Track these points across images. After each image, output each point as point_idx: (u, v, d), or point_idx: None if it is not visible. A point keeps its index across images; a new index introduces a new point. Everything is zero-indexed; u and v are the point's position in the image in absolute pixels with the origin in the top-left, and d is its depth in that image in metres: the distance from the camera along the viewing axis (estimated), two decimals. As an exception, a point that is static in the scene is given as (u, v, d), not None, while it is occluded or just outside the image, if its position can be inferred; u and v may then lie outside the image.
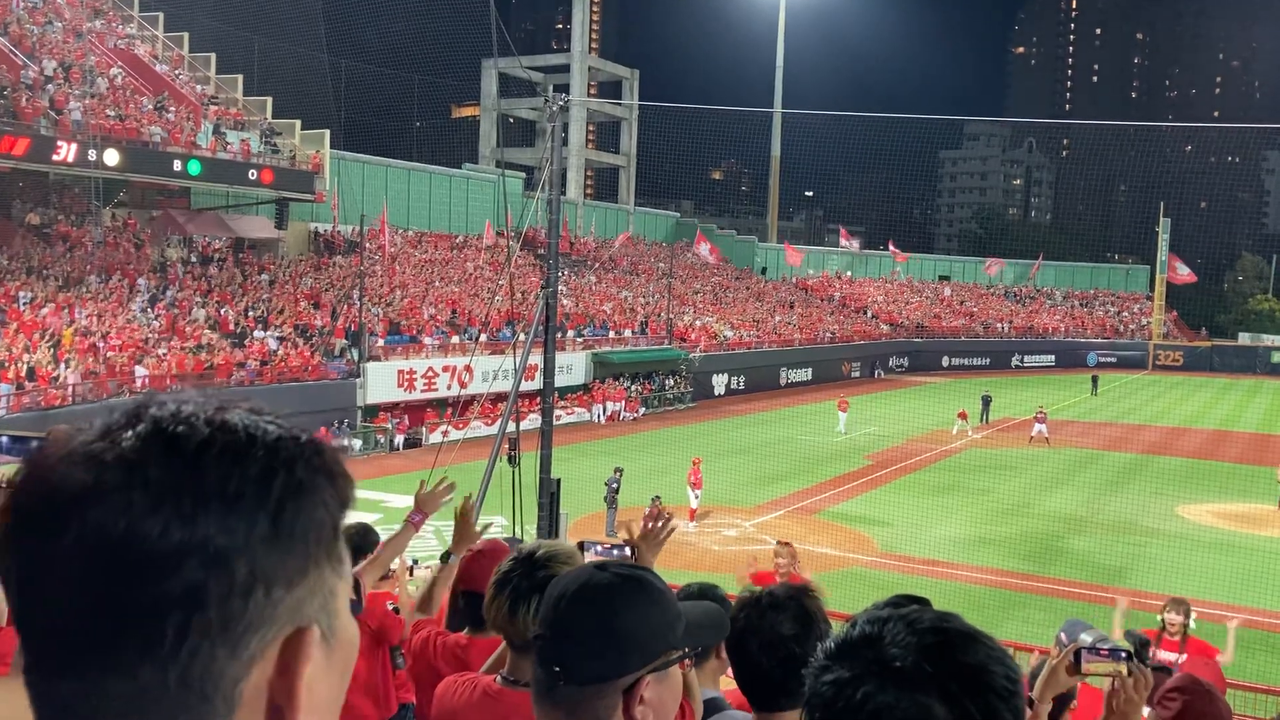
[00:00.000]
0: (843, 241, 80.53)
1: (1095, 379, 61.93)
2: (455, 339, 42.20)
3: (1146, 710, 4.15)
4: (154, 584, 0.74)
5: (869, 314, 76.27)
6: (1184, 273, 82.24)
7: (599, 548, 3.65)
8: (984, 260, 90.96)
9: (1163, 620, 9.82)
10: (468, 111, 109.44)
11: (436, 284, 47.91)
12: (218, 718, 0.77)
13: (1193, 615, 9.96)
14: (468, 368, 37.77)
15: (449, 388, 38.49)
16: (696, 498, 25.87)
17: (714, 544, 24.48)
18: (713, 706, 3.07)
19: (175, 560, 0.74)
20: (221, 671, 0.76)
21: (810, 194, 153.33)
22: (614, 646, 1.67)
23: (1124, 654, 3.59)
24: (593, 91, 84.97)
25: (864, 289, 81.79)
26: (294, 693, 0.80)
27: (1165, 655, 9.03)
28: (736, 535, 25.41)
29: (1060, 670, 3.50)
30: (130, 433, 0.79)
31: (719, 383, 54.64)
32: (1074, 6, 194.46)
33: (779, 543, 12.13)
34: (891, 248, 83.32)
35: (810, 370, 61.53)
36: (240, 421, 0.83)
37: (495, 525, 19.92)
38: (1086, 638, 4.80)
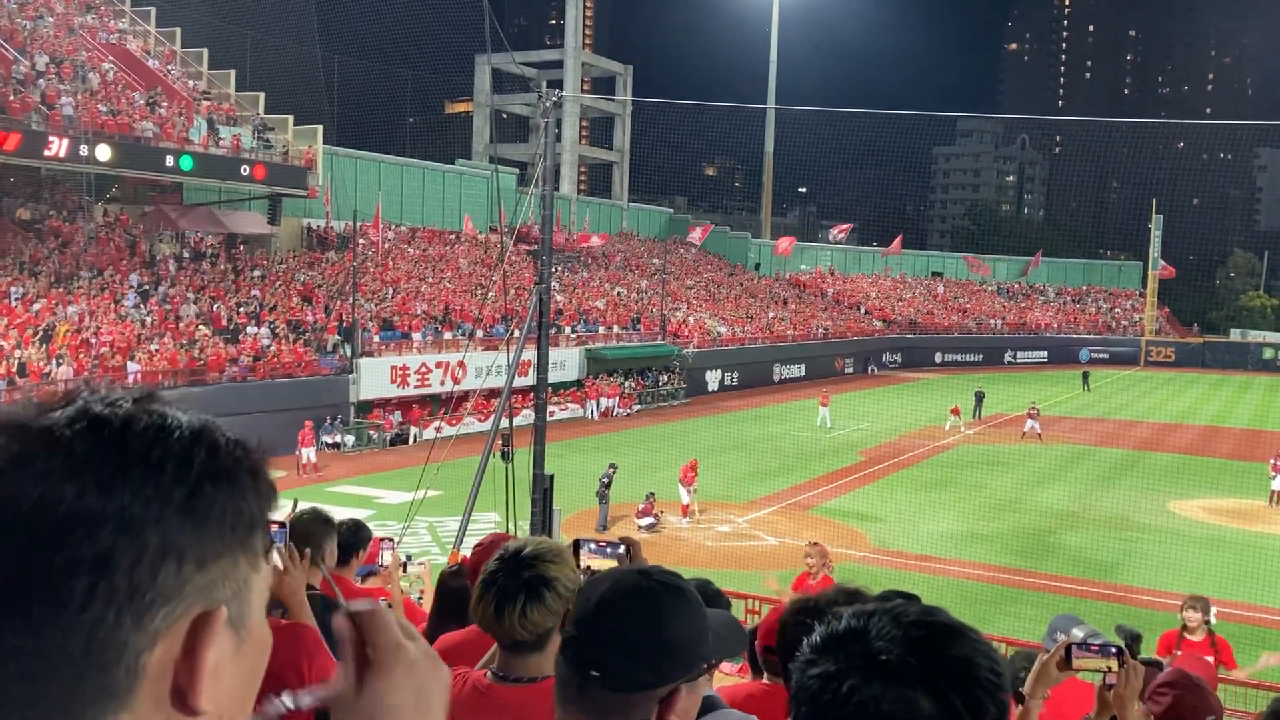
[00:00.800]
0: (836, 234, 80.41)
1: (1087, 375, 62.10)
2: (449, 335, 42.18)
3: (1138, 705, 4.16)
4: (66, 547, 0.76)
5: (862, 310, 76.36)
6: (1157, 268, 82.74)
7: (593, 545, 3.65)
8: (978, 256, 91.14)
9: (1183, 619, 9.77)
10: (461, 107, 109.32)
11: (430, 280, 47.85)
12: (119, 690, 0.77)
13: (1213, 611, 9.91)
14: (461, 364, 37.76)
15: (442, 384, 38.46)
16: (690, 494, 25.88)
17: (708, 540, 24.50)
18: (708, 704, 3.07)
19: (88, 526, 0.76)
20: (125, 641, 0.77)
21: (804, 190, 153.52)
22: (660, 656, 1.65)
23: (1114, 649, 3.60)
24: (586, 87, 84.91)
25: (857, 285, 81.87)
26: (197, 673, 0.80)
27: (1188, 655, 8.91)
28: (730, 531, 25.44)
29: (1051, 665, 3.51)
30: (59, 411, 0.82)
31: (713, 378, 54.68)
32: (1067, 3, 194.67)
33: (809, 544, 12.11)
34: (895, 244, 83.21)
35: (803, 366, 61.60)
36: (167, 408, 0.86)
37: (489, 522, 19.93)
38: (1078, 633, 4.82)
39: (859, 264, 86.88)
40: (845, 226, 79.37)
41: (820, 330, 66.94)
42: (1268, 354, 79.13)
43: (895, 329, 74.62)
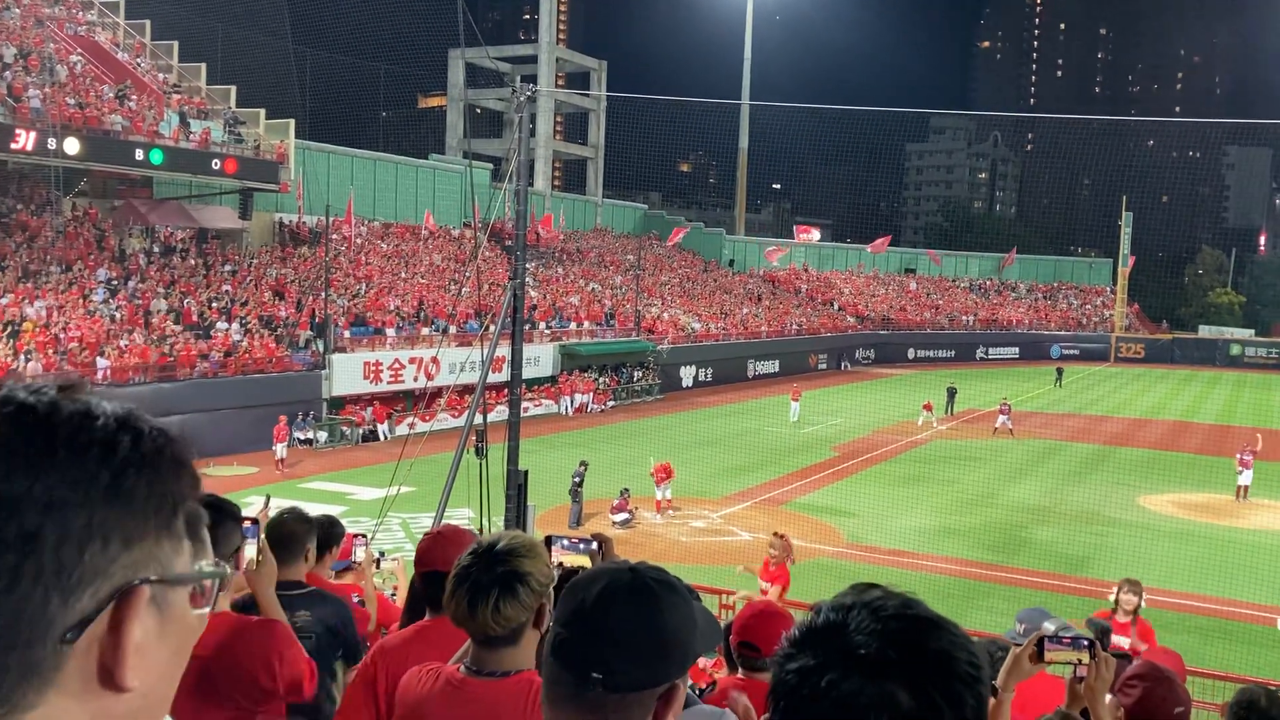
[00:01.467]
0: (802, 235, 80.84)
1: (1059, 371, 62.60)
2: (424, 331, 42.01)
3: (1109, 697, 4.19)
4: None
5: (835, 306, 76.64)
6: (1127, 265, 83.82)
7: (566, 542, 3.64)
8: (949, 253, 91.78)
9: (1116, 600, 10.05)
10: (434, 102, 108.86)
11: (403, 276, 47.62)
12: (45, 667, 0.79)
13: (1143, 596, 10.26)
14: (434, 360, 37.61)
15: (415, 380, 38.31)
16: (664, 490, 25.92)
17: (682, 535, 24.53)
18: (686, 701, 3.07)
19: (13, 506, 0.79)
20: (52, 619, 0.79)
21: (778, 187, 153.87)
22: (661, 653, 1.63)
23: (1086, 642, 3.62)
24: (560, 83, 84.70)
25: (831, 282, 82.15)
26: (122, 649, 0.82)
27: (1117, 639, 9.20)
28: (704, 526, 25.48)
29: (1024, 658, 3.53)
30: None
31: (687, 374, 54.74)
32: (1038, 1, 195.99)
33: (775, 534, 12.28)
34: (880, 243, 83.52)
35: (778, 362, 61.78)
36: (94, 398, 0.88)
37: (463, 518, 19.88)
38: (1049, 626, 4.85)
39: (832, 260, 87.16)
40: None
41: (794, 327, 67.15)
42: (1234, 350, 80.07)
43: (869, 325, 74.96)
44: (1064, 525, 25.99)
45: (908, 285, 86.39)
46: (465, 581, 2.50)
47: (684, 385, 53.90)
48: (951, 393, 46.46)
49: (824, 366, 65.77)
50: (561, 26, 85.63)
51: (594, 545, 3.58)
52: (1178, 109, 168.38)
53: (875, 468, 33.42)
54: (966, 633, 1.29)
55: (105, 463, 0.83)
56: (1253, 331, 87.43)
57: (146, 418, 0.89)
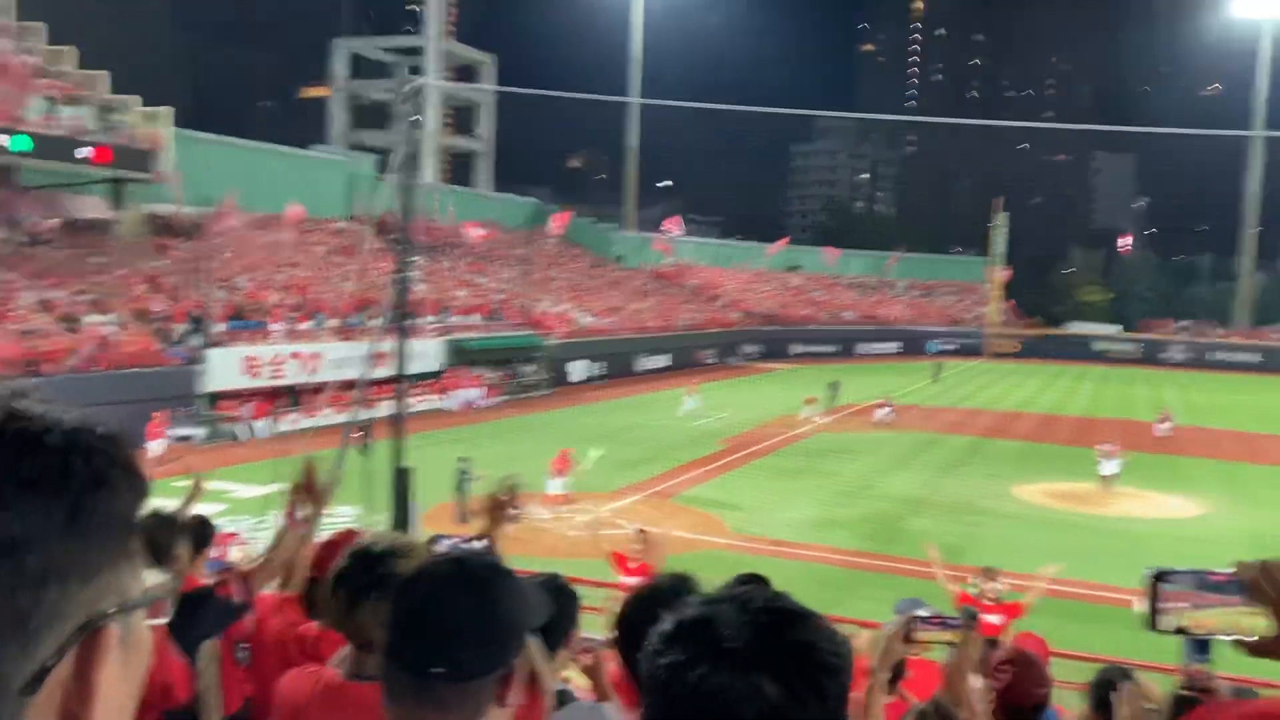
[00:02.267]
0: (671, 229, 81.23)
1: (937, 365, 64.49)
2: (306, 325, 41.08)
3: (980, 681, 4.37)
4: None
5: (721, 303, 77.50)
6: (1001, 263, 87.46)
7: (450, 541, 3.64)
8: (834, 250, 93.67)
9: (980, 590, 10.87)
10: (317, 92, 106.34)
11: (284, 269, 46.48)
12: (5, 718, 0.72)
13: (1001, 581, 11.46)
14: (316, 354, 36.81)
15: (297, 375, 37.44)
16: (560, 485, 25.90)
17: (570, 530, 24.53)
18: (563, 697, 3.10)
19: None
20: (9, 672, 0.72)
21: (670, 184, 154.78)
22: (500, 637, 1.67)
23: (954, 623, 3.78)
24: (450, 76, 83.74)
25: (718, 278, 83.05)
26: (90, 697, 0.76)
27: (990, 619, 9.95)
28: (592, 521, 25.50)
29: (895, 640, 3.67)
30: None
31: (577, 369, 54.71)
32: (919, 6, 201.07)
33: (639, 530, 12.44)
34: (778, 244, 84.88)
35: (668, 357, 62.24)
36: (34, 409, 0.79)
37: (346, 516, 19.53)
38: (923, 612, 5.02)
39: (720, 257, 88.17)
40: (674, 220, 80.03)
41: (683, 322, 67.73)
42: (1100, 346, 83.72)
43: (754, 321, 76.03)
44: (939, 515, 26.79)
45: (790, 282, 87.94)
46: (344, 584, 2.48)
47: (574, 380, 53.88)
48: (834, 387, 47.45)
49: (712, 361, 66.48)
50: (451, 19, 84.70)
51: (480, 543, 3.58)
52: (1050, 114, 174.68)
53: (760, 461, 33.94)
54: (830, 622, 1.36)
55: (60, 494, 0.74)
56: (1119, 328, 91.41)
57: (93, 426, 0.80)
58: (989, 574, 11.48)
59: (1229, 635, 1.63)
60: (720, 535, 23.91)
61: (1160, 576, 1.69)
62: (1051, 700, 4.59)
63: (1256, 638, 1.58)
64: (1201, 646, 2.57)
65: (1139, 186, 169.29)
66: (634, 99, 79.80)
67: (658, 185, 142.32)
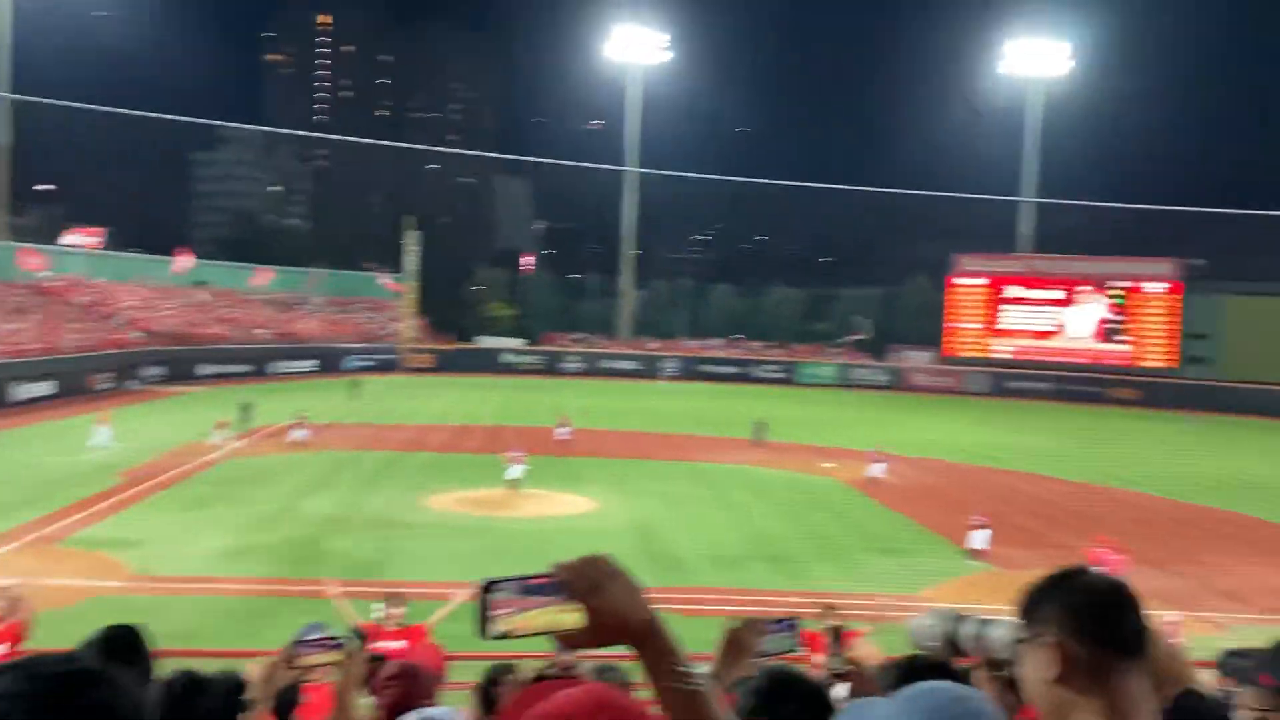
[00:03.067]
0: (80, 238, 73.85)
1: (354, 382, 64.61)
2: None
3: (368, 699, 4.41)
4: None
5: (118, 321, 70.95)
6: (412, 281, 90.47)
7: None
8: (249, 267, 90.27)
9: (385, 614, 10.98)
10: None
11: None
12: None
13: (405, 606, 11.37)
14: None
15: None
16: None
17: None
18: None
19: None
20: None
21: (52, 188, 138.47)
22: None
23: (335, 643, 3.75)
24: None
25: (115, 293, 75.97)
26: None
27: (388, 645, 10.00)
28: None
29: (278, 667, 3.59)
30: None
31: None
32: (327, 22, 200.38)
33: (5, 585, 11.00)
34: (182, 259, 78.84)
35: (52, 384, 55.54)
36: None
37: None
38: (311, 636, 4.95)
39: (117, 270, 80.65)
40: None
41: (71, 343, 60.92)
42: (508, 359, 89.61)
43: (158, 340, 70.56)
44: (358, 533, 26.87)
45: (199, 297, 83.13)
46: None
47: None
48: (246, 408, 45.63)
49: (109, 386, 60.48)
50: None
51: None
52: (456, 137, 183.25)
53: (167, 492, 31.62)
54: (127, 679, 1.26)
55: None
56: (524, 341, 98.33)
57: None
58: (395, 600, 11.39)
59: (551, 632, 1.78)
60: (118, 579, 21.83)
61: (488, 588, 1.79)
62: (440, 700, 4.74)
63: (569, 630, 1.75)
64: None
65: (537, 210, 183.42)
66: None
67: (34, 189, 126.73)
